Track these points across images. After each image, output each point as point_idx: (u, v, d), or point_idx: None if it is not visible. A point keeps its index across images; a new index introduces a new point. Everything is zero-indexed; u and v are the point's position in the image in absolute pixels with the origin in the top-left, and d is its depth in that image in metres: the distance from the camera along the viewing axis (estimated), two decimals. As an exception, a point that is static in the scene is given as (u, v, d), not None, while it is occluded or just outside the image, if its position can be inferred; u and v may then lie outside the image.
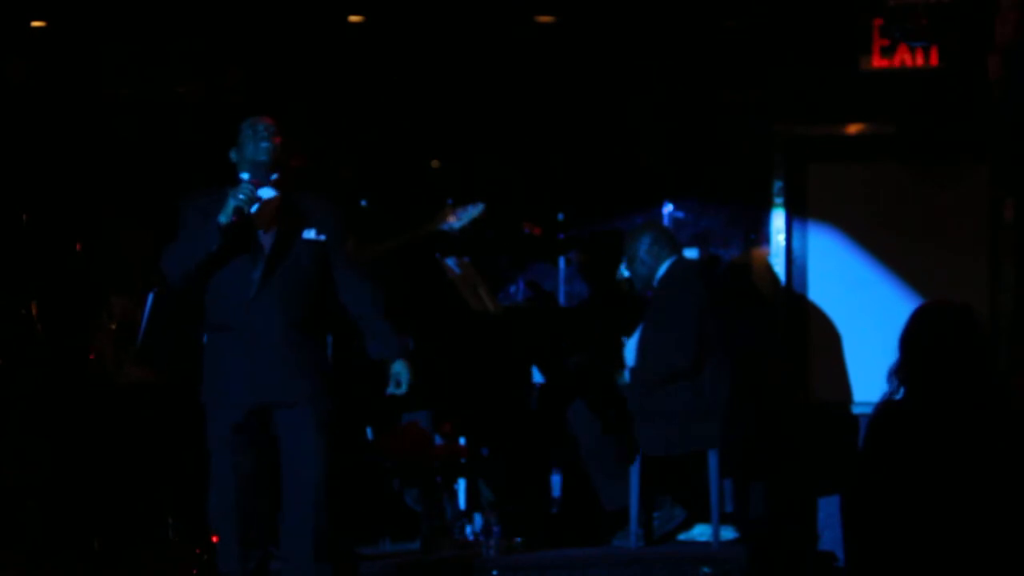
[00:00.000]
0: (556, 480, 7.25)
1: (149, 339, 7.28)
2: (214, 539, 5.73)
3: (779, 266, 7.64)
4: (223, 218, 5.27)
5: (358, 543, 6.58)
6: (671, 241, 6.82)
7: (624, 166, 7.82)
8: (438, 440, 6.92)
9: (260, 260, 5.35)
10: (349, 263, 5.54)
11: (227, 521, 5.36)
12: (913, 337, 4.78)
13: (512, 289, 7.77)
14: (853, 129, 7.68)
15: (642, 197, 7.74)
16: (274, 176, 5.41)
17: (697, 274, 6.83)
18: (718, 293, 6.81)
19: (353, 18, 7.77)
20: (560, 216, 7.69)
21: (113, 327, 7.23)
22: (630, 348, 6.80)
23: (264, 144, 5.43)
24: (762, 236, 7.71)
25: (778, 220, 7.67)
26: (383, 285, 5.60)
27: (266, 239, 5.40)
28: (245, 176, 5.40)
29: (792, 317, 7.65)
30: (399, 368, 5.48)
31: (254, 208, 5.37)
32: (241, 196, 5.29)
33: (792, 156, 7.72)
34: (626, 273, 7.03)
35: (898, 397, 4.80)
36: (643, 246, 6.76)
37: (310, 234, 5.45)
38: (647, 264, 6.76)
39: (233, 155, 5.50)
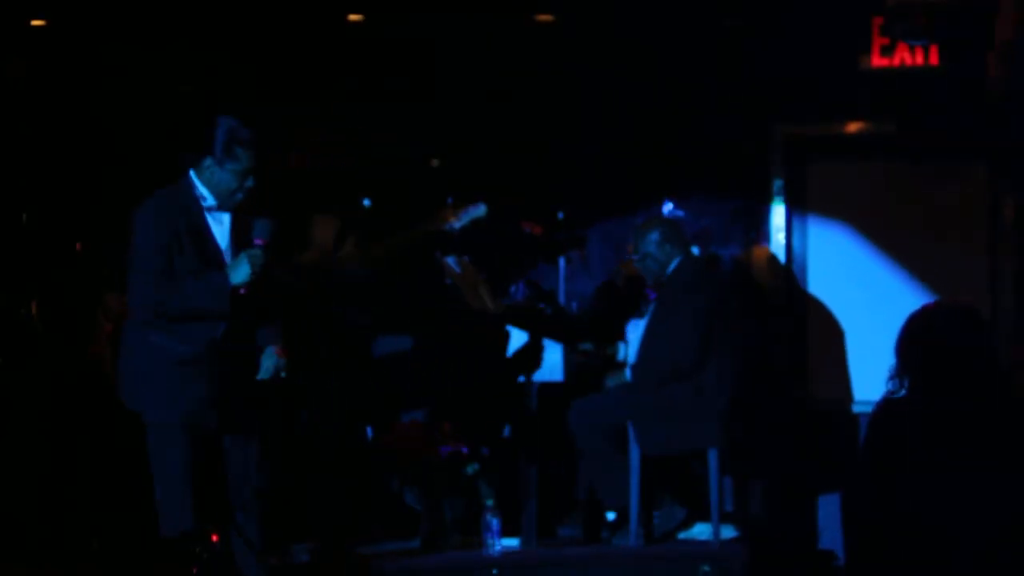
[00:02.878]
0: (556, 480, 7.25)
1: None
2: (214, 538, 5.73)
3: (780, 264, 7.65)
4: (236, 280, 5.21)
5: (358, 543, 6.58)
6: (679, 238, 6.80)
7: (624, 165, 7.82)
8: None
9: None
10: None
11: (186, 511, 5.37)
12: (916, 336, 4.78)
13: (512, 289, 7.76)
14: (853, 128, 7.68)
15: (642, 196, 7.74)
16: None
17: (704, 273, 6.83)
18: (719, 291, 6.81)
19: (353, 17, 7.77)
20: (560, 216, 7.68)
21: (109, 328, 7.23)
22: (632, 345, 6.80)
23: (245, 188, 5.34)
24: (762, 235, 7.72)
25: (778, 218, 7.67)
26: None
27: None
28: (209, 200, 5.34)
29: (792, 315, 7.65)
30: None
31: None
32: (256, 267, 5.21)
33: (792, 155, 7.72)
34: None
35: (899, 395, 4.80)
36: (653, 243, 6.75)
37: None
38: (658, 260, 6.74)
39: (208, 161, 5.32)
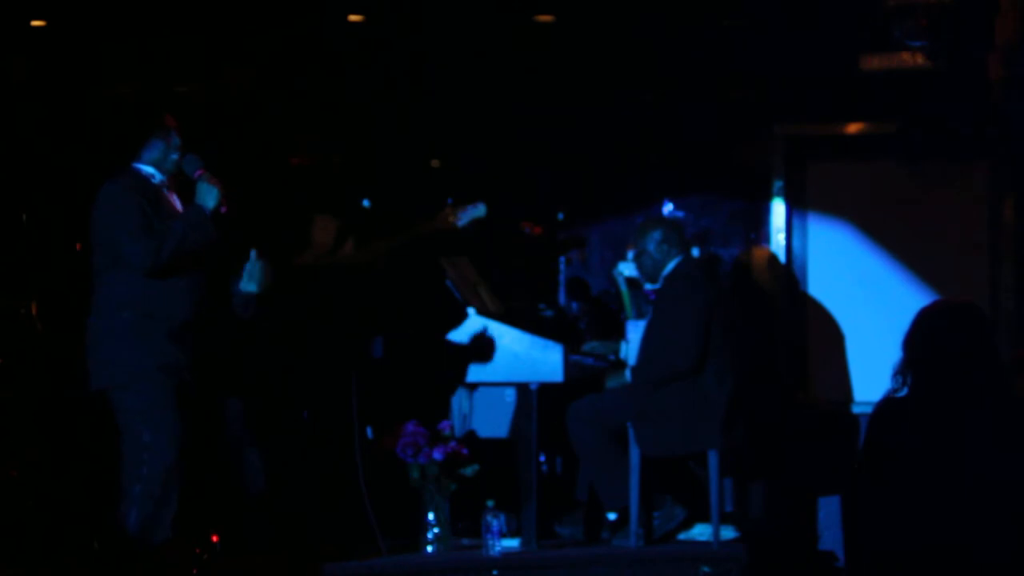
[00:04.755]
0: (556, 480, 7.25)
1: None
2: (214, 538, 5.74)
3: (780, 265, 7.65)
4: (210, 203, 5.62)
5: (357, 542, 6.58)
6: (680, 239, 6.80)
7: (624, 165, 7.82)
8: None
9: None
10: None
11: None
12: (919, 334, 4.79)
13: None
14: (853, 129, 7.68)
15: (642, 197, 7.74)
16: None
17: (703, 273, 6.83)
18: (719, 292, 6.81)
19: (353, 17, 7.77)
20: (560, 216, 7.69)
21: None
22: (632, 346, 6.80)
23: (174, 146, 5.83)
24: (762, 235, 7.72)
25: (778, 219, 7.67)
26: None
27: None
28: (157, 176, 5.77)
29: (792, 316, 7.65)
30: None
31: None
32: (217, 187, 5.64)
33: (792, 156, 7.72)
34: (623, 269, 7.03)
35: (900, 394, 4.81)
36: (653, 241, 6.75)
37: None
38: (655, 259, 6.75)
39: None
